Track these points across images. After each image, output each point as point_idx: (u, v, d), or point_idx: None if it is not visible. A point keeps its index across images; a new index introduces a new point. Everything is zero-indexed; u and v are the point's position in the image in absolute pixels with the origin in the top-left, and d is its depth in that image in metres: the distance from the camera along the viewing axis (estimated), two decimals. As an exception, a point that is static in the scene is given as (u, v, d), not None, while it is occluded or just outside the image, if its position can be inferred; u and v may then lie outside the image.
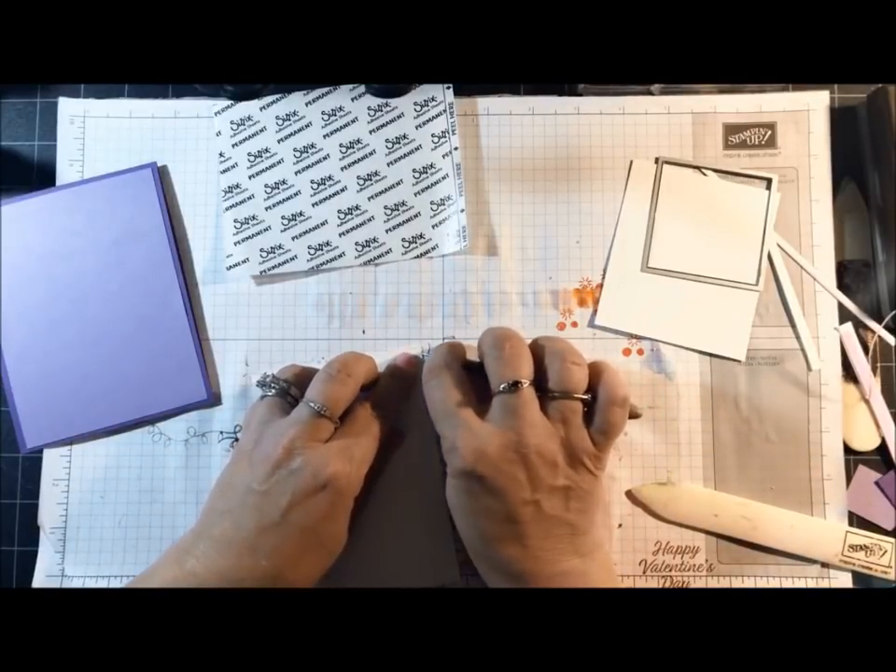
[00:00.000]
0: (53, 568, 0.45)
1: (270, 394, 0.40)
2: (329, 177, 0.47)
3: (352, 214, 0.47)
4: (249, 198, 0.47)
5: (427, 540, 0.42)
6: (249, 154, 0.47)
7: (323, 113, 0.48)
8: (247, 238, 0.47)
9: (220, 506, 0.37)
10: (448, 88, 0.47)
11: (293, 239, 0.47)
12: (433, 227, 0.46)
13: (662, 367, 0.45)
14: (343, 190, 0.47)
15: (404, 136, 0.47)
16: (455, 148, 0.47)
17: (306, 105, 0.48)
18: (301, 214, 0.47)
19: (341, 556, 0.37)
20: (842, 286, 0.46)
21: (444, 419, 0.37)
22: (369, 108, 0.48)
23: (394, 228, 0.47)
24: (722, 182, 0.47)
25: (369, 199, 0.47)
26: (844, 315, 0.46)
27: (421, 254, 0.46)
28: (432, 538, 0.42)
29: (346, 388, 0.39)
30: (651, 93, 0.48)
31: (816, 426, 0.45)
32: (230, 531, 0.35)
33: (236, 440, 0.45)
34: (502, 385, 0.36)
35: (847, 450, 0.45)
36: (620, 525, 0.44)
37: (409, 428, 0.43)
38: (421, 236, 0.47)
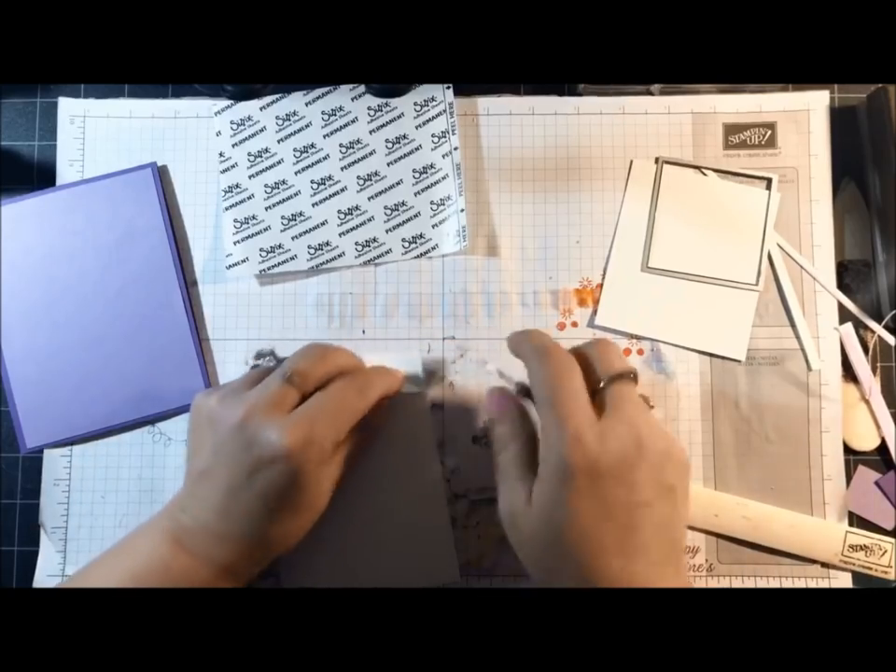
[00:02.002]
0: (54, 568, 0.45)
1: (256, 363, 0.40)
2: (329, 177, 0.47)
3: (352, 214, 0.47)
4: (249, 198, 0.47)
5: (427, 540, 0.42)
6: (249, 154, 0.47)
7: (323, 113, 0.48)
8: (247, 238, 0.47)
9: (196, 466, 0.36)
10: (448, 88, 0.47)
11: (293, 239, 0.47)
12: (433, 227, 0.46)
13: (662, 367, 0.45)
14: (343, 190, 0.47)
15: (404, 136, 0.47)
16: (455, 148, 0.47)
17: (306, 105, 0.48)
18: (301, 214, 0.47)
19: (339, 555, 0.37)
20: (842, 286, 0.46)
21: (559, 406, 0.31)
22: (369, 108, 0.48)
23: (394, 228, 0.47)
24: (722, 182, 0.47)
25: (369, 199, 0.47)
26: (844, 315, 0.45)
27: (421, 254, 0.46)
28: (433, 537, 0.42)
29: (323, 363, 0.37)
30: (650, 93, 0.48)
31: (816, 426, 0.45)
32: (207, 490, 0.35)
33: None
34: (609, 375, 0.33)
35: (847, 450, 0.45)
36: (620, 525, 0.44)
37: (408, 428, 0.43)
38: (421, 236, 0.47)
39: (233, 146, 0.47)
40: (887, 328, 0.45)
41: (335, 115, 0.48)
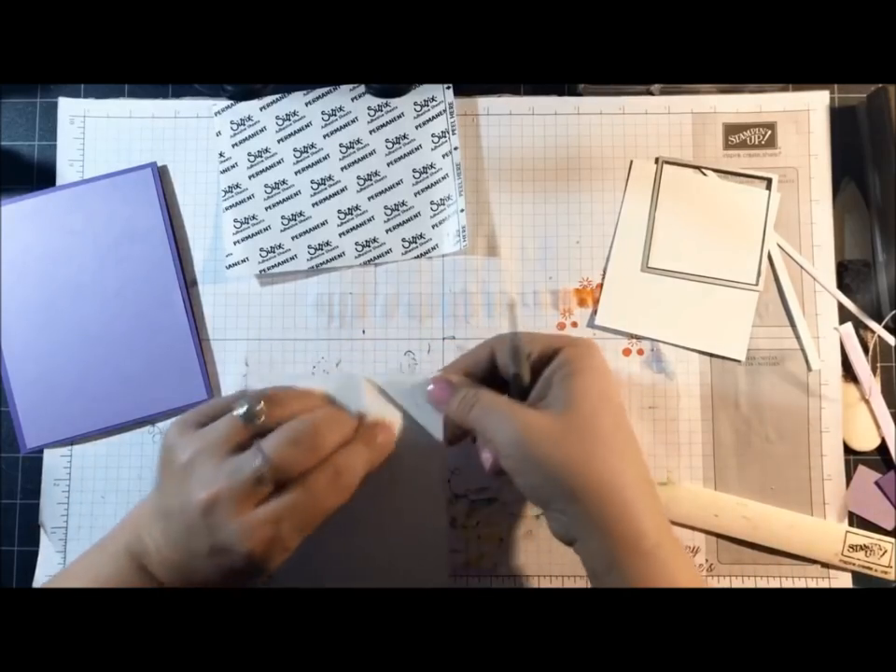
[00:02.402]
0: (54, 568, 0.45)
1: (239, 412, 0.34)
2: (329, 177, 0.47)
3: (352, 214, 0.47)
4: (249, 198, 0.47)
5: (422, 544, 0.40)
6: (249, 154, 0.47)
7: (323, 113, 0.48)
8: (247, 237, 0.47)
9: (160, 502, 0.34)
10: (448, 88, 0.47)
11: (293, 239, 0.47)
12: (433, 227, 0.46)
13: (662, 367, 0.45)
14: (343, 190, 0.47)
15: (404, 136, 0.47)
16: (455, 148, 0.47)
17: (306, 104, 0.48)
18: (301, 214, 0.47)
19: (331, 552, 0.37)
20: (842, 286, 0.46)
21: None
22: (369, 108, 0.48)
23: (394, 228, 0.47)
24: (722, 182, 0.47)
25: (369, 199, 0.47)
26: (844, 315, 0.45)
27: (421, 254, 0.46)
28: (428, 542, 0.40)
29: (307, 459, 0.33)
30: (651, 93, 0.48)
31: (816, 426, 0.45)
32: (170, 532, 0.33)
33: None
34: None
35: (847, 450, 0.45)
36: (620, 525, 0.44)
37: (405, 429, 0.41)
38: (421, 236, 0.47)
39: (233, 146, 0.47)
40: (887, 328, 0.45)
41: (335, 115, 0.48)
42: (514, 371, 0.35)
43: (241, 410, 0.33)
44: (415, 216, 0.47)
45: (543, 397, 0.34)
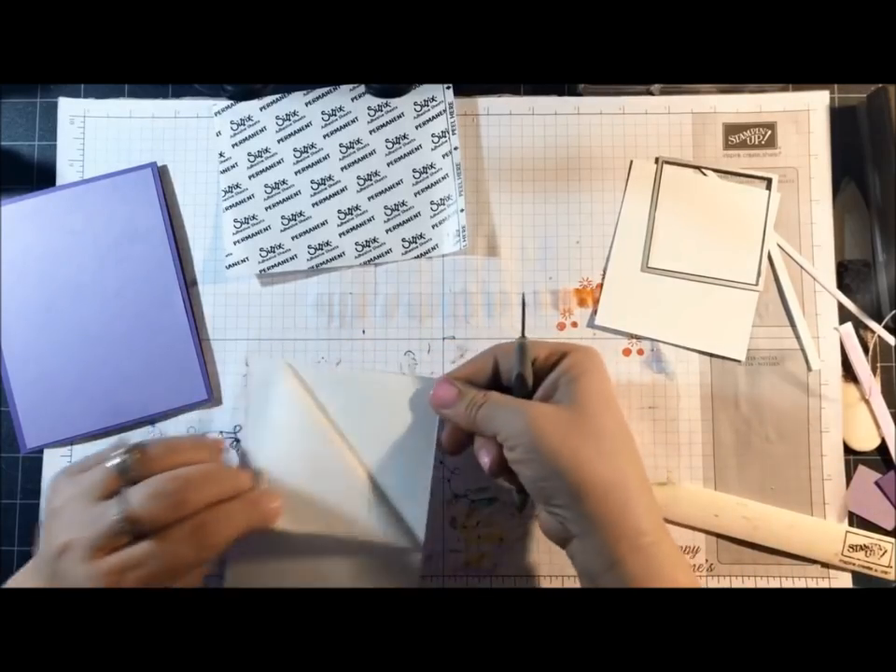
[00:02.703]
0: (53, 568, 0.45)
1: (112, 462, 0.34)
2: (329, 177, 0.47)
3: (352, 214, 0.47)
4: (249, 198, 0.47)
5: (394, 555, 0.41)
6: (249, 154, 0.47)
7: (323, 113, 0.48)
8: (247, 237, 0.47)
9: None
10: (448, 88, 0.47)
11: (293, 239, 0.47)
12: (433, 227, 0.46)
13: (662, 367, 0.45)
14: (343, 190, 0.47)
15: (404, 136, 0.47)
16: (455, 148, 0.47)
17: (306, 104, 0.48)
18: (300, 214, 0.47)
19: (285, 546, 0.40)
20: (842, 286, 0.46)
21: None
22: (369, 108, 0.48)
23: (394, 228, 0.47)
24: (722, 182, 0.47)
25: (369, 199, 0.47)
26: (844, 315, 0.45)
27: (421, 254, 0.46)
28: (398, 553, 0.41)
29: (168, 512, 0.33)
30: (651, 93, 0.48)
31: (816, 426, 0.45)
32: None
33: (236, 440, 0.45)
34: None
35: (847, 450, 0.45)
36: (620, 525, 0.44)
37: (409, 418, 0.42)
38: (421, 236, 0.47)
39: (233, 146, 0.47)
40: (887, 328, 0.45)
41: (335, 115, 0.48)
42: (518, 373, 0.36)
43: (114, 461, 0.35)
44: (415, 216, 0.47)
45: (549, 397, 0.35)
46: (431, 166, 0.47)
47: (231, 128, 0.48)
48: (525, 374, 0.36)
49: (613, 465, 0.33)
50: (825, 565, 0.44)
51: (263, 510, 0.38)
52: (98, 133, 0.48)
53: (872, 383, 0.45)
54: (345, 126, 0.47)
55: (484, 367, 0.38)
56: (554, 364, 0.36)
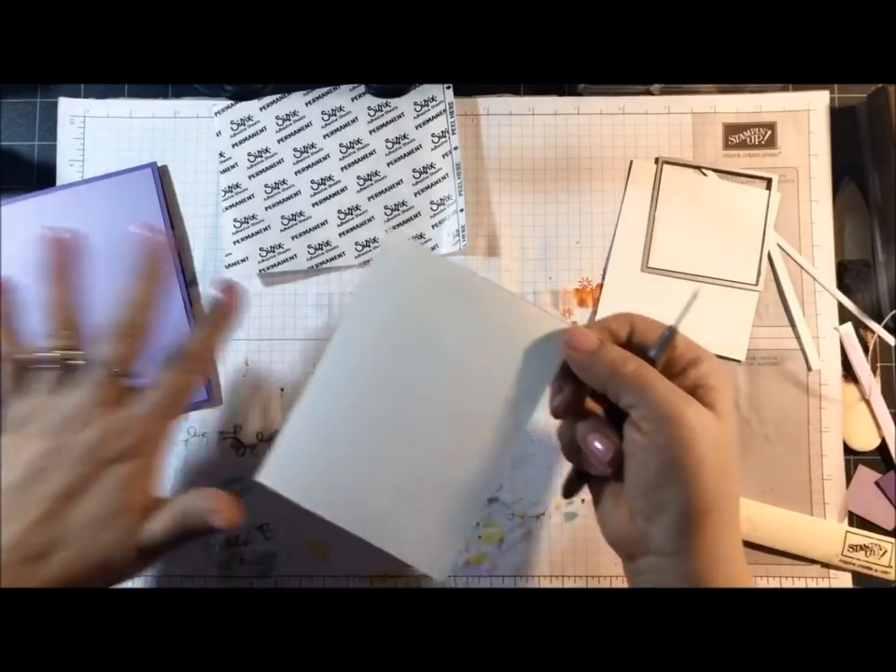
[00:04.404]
0: (53, 568, 0.45)
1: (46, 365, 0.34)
2: (329, 177, 0.47)
3: (352, 214, 0.47)
4: (249, 198, 0.47)
5: (439, 524, 0.33)
6: (249, 154, 0.47)
7: (323, 113, 0.48)
8: (247, 237, 0.47)
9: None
10: (448, 88, 0.47)
11: (293, 238, 0.47)
12: (433, 227, 0.46)
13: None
14: (343, 190, 0.47)
15: (404, 136, 0.47)
16: (455, 148, 0.47)
17: (306, 104, 0.48)
18: (301, 213, 0.47)
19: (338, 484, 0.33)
20: (842, 286, 0.46)
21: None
22: (369, 108, 0.48)
23: (394, 228, 0.47)
24: (722, 182, 0.47)
25: (369, 199, 0.47)
26: (844, 315, 0.46)
27: (421, 254, 0.46)
28: (447, 523, 0.33)
29: (134, 343, 0.35)
30: (650, 93, 0.48)
31: (816, 426, 0.45)
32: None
33: (236, 440, 0.45)
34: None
35: (847, 450, 0.45)
36: (620, 525, 0.44)
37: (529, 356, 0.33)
38: (421, 236, 0.47)
39: (233, 146, 0.47)
40: (887, 328, 0.45)
41: (335, 115, 0.48)
42: (653, 357, 0.31)
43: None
44: (415, 216, 0.47)
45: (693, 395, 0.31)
46: (431, 166, 0.47)
47: (231, 128, 0.48)
48: (661, 362, 0.31)
49: (735, 488, 0.30)
50: (825, 565, 0.44)
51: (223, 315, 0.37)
52: (98, 132, 0.48)
53: (872, 383, 0.45)
54: (345, 126, 0.47)
55: (619, 331, 0.33)
56: (685, 366, 0.32)
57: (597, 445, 0.31)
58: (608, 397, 0.30)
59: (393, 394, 0.33)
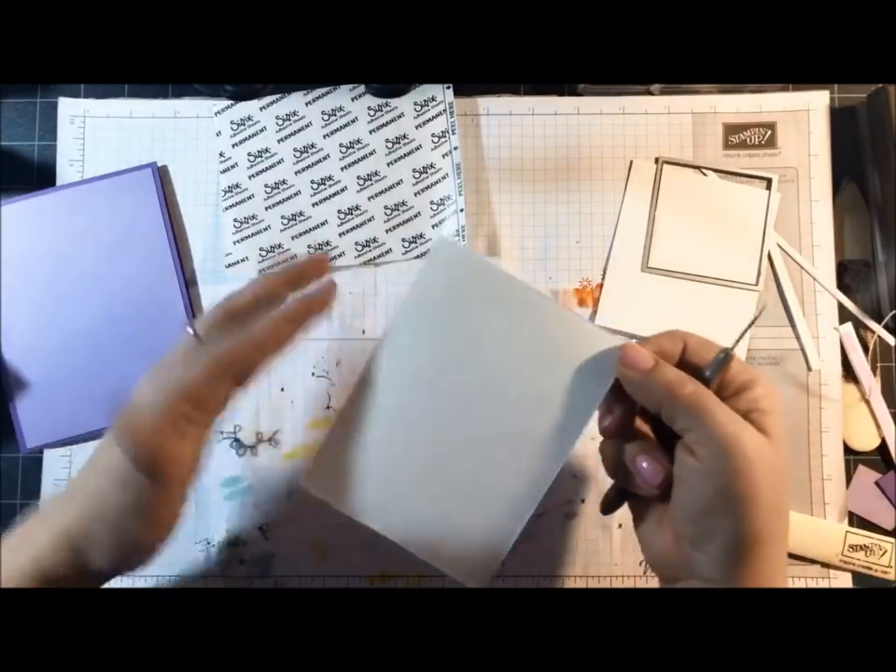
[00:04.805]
0: (53, 568, 0.45)
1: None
2: (329, 177, 0.47)
3: (352, 214, 0.47)
4: (249, 198, 0.47)
5: (480, 538, 0.32)
6: (249, 154, 0.47)
7: (323, 113, 0.48)
8: (247, 237, 0.47)
9: None
10: (448, 88, 0.47)
11: (293, 238, 0.47)
12: (433, 227, 0.46)
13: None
14: (343, 190, 0.47)
15: (404, 136, 0.47)
16: (455, 148, 0.47)
17: (306, 104, 0.48)
18: (301, 213, 0.47)
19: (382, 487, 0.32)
20: (842, 286, 0.46)
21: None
22: (369, 108, 0.48)
23: (394, 228, 0.47)
24: (722, 182, 0.47)
25: (369, 199, 0.47)
26: (844, 315, 0.45)
27: (421, 254, 0.46)
28: (488, 538, 0.32)
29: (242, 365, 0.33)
30: (650, 93, 0.48)
31: (816, 426, 0.45)
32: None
33: (236, 440, 0.45)
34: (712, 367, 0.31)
35: (847, 450, 0.45)
36: (620, 526, 0.44)
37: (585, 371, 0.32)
38: (421, 236, 0.47)
39: (233, 146, 0.47)
40: (887, 328, 0.45)
41: (335, 115, 0.48)
42: (709, 378, 0.30)
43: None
44: (415, 216, 0.47)
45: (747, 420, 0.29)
46: (431, 166, 0.47)
47: (231, 128, 0.48)
48: (715, 383, 0.30)
49: (786, 517, 0.29)
50: (825, 565, 0.44)
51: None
52: (98, 133, 0.48)
53: (872, 383, 0.45)
54: (345, 126, 0.47)
55: (672, 349, 0.31)
56: (739, 388, 0.30)
57: (647, 468, 0.30)
58: (660, 418, 0.30)
59: (440, 405, 0.32)
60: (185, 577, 0.44)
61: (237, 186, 0.47)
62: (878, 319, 0.45)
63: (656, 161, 0.47)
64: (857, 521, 0.44)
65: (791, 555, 0.44)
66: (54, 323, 0.46)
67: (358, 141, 0.47)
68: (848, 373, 0.45)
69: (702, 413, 0.28)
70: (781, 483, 0.28)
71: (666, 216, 0.47)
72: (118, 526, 0.31)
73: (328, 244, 0.47)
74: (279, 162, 0.47)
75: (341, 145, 0.47)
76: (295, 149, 0.47)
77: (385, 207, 0.47)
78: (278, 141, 0.47)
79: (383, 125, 0.47)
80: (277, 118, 0.48)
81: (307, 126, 0.48)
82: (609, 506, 0.34)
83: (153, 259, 0.46)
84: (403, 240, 0.46)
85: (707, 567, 0.28)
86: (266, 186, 0.47)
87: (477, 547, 0.32)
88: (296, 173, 0.47)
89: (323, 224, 0.47)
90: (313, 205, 0.47)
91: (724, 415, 0.28)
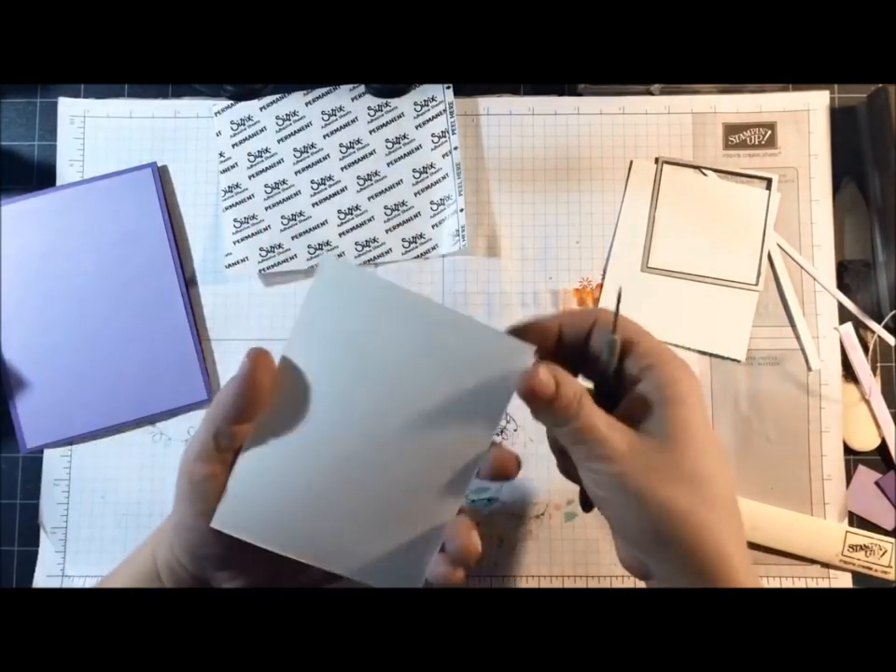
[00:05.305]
0: (54, 568, 0.45)
1: None
2: (329, 177, 0.47)
3: (352, 214, 0.47)
4: (249, 198, 0.47)
5: (401, 548, 0.32)
6: (249, 154, 0.47)
7: (323, 113, 0.48)
8: (247, 237, 0.47)
9: None
10: (448, 88, 0.47)
11: (293, 238, 0.47)
12: (433, 227, 0.46)
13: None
14: (343, 190, 0.47)
15: (404, 136, 0.47)
16: (455, 148, 0.47)
17: (306, 104, 0.48)
18: (300, 213, 0.47)
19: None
20: (842, 286, 0.46)
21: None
22: (369, 108, 0.48)
23: (394, 228, 0.47)
24: (722, 182, 0.47)
25: (369, 199, 0.47)
26: (844, 315, 0.45)
27: (421, 254, 0.46)
28: (409, 547, 0.32)
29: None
30: (650, 93, 0.48)
31: (816, 426, 0.45)
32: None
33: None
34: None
35: (847, 450, 0.45)
36: (620, 525, 0.44)
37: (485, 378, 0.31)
38: (421, 236, 0.47)
39: (233, 146, 0.47)
40: (887, 328, 0.45)
41: (335, 115, 0.48)
42: (603, 376, 0.30)
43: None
44: (415, 216, 0.47)
45: (641, 419, 0.29)
46: (431, 166, 0.47)
47: (231, 128, 0.48)
48: (609, 377, 0.30)
49: (713, 517, 0.28)
50: (825, 565, 0.44)
51: None
52: (98, 132, 0.48)
53: (872, 383, 0.45)
54: (345, 126, 0.47)
55: (549, 334, 0.31)
56: (638, 376, 0.29)
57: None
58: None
59: (346, 424, 0.32)
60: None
61: (237, 186, 0.47)
62: (878, 319, 0.45)
63: (656, 161, 0.47)
64: (857, 521, 0.44)
65: (792, 555, 0.44)
66: (54, 323, 0.46)
67: (358, 141, 0.47)
68: (848, 373, 0.45)
69: (587, 439, 0.28)
70: (679, 484, 0.27)
71: (666, 216, 0.47)
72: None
73: (328, 243, 0.47)
74: (279, 162, 0.47)
75: (341, 145, 0.47)
76: (295, 149, 0.47)
77: (385, 207, 0.47)
78: (278, 141, 0.47)
79: (383, 125, 0.47)
80: (277, 118, 0.48)
81: (307, 126, 0.48)
82: (583, 503, 0.34)
83: (153, 259, 0.46)
84: (403, 240, 0.46)
85: (669, 580, 0.29)
86: (266, 186, 0.47)
87: (399, 559, 0.32)
88: (296, 173, 0.47)
89: (323, 224, 0.47)
90: (313, 205, 0.47)
91: (597, 435, 0.28)
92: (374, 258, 0.46)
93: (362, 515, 0.32)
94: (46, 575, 0.45)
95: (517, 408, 0.30)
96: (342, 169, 0.47)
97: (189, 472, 0.30)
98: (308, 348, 0.32)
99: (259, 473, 0.31)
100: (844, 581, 0.44)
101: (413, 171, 0.47)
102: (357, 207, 0.47)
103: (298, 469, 0.32)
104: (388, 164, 0.47)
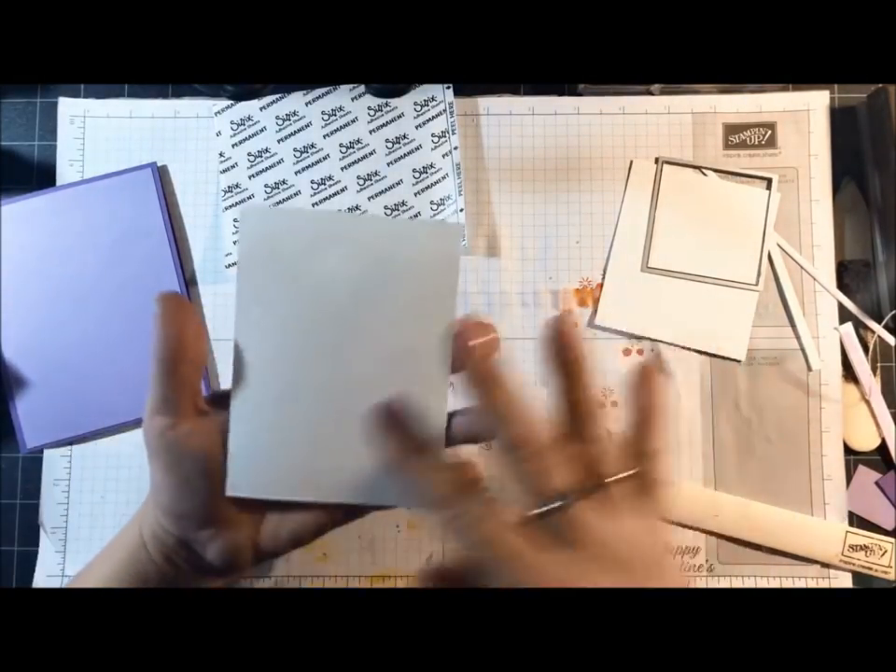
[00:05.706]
0: (54, 568, 0.45)
1: None
2: (329, 177, 0.47)
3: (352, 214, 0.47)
4: (249, 198, 0.47)
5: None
6: (249, 154, 0.47)
7: (323, 113, 0.48)
8: (247, 238, 0.47)
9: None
10: (448, 88, 0.47)
11: (293, 239, 0.47)
12: (433, 227, 0.46)
13: (662, 367, 0.45)
14: (343, 190, 0.47)
15: (404, 136, 0.47)
16: (455, 148, 0.47)
17: (306, 104, 0.48)
18: (300, 214, 0.47)
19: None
20: (842, 286, 0.46)
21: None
22: (369, 108, 0.48)
23: (394, 228, 0.47)
24: (722, 182, 0.47)
25: (369, 199, 0.47)
26: (844, 315, 0.45)
27: (421, 254, 0.46)
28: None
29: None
30: (650, 93, 0.48)
31: (816, 426, 0.45)
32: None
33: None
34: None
35: (847, 450, 0.45)
36: (620, 525, 0.44)
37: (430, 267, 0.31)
38: (421, 236, 0.46)
39: (233, 146, 0.47)
40: (887, 328, 0.45)
41: (335, 115, 0.48)
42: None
43: None
44: (415, 216, 0.47)
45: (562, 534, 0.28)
46: (431, 166, 0.47)
47: (231, 128, 0.48)
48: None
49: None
50: (825, 565, 0.44)
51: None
52: (98, 133, 0.48)
53: (872, 383, 0.45)
54: (345, 126, 0.47)
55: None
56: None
57: None
58: None
59: (315, 359, 0.32)
60: (185, 577, 0.44)
61: (237, 186, 0.47)
62: (878, 319, 0.45)
63: (656, 161, 0.47)
64: (857, 521, 0.44)
65: (792, 555, 0.44)
66: (54, 323, 0.46)
67: (358, 141, 0.47)
68: (848, 373, 0.45)
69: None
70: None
71: (666, 216, 0.47)
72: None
73: (328, 244, 0.47)
74: (279, 162, 0.47)
75: (341, 145, 0.47)
76: (295, 149, 0.47)
77: (385, 207, 0.47)
78: (278, 141, 0.47)
79: (383, 125, 0.47)
80: (277, 118, 0.48)
81: (307, 126, 0.48)
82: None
83: (153, 259, 0.46)
84: (403, 240, 0.46)
85: None
86: (266, 186, 0.47)
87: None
88: (296, 173, 0.47)
89: (323, 224, 0.47)
90: (313, 205, 0.47)
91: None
92: (374, 258, 0.46)
93: (357, 440, 0.32)
94: (46, 575, 0.45)
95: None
96: (342, 169, 0.47)
97: (148, 429, 0.30)
98: (258, 300, 0.32)
99: (251, 431, 0.32)
100: (844, 581, 0.44)
101: (413, 171, 0.47)
102: (356, 207, 0.47)
103: (286, 416, 0.32)
104: (388, 164, 0.47)
